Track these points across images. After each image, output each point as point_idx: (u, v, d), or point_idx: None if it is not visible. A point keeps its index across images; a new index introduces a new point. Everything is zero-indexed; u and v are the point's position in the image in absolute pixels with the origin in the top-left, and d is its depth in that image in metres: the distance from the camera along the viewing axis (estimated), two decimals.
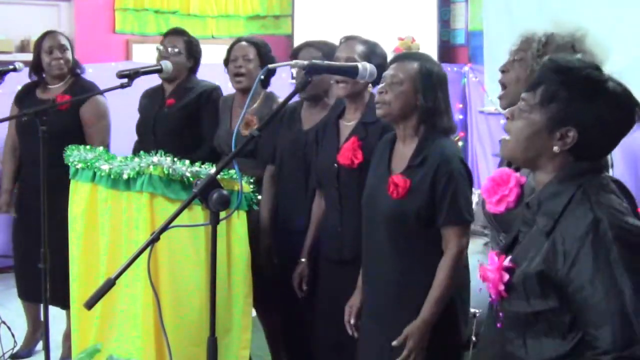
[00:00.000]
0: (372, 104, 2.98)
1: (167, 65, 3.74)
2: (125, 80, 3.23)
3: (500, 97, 2.42)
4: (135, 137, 4.02)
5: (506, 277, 1.82)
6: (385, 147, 2.80)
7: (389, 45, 6.48)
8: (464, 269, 2.71)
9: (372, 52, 3.06)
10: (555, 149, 1.78)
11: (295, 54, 3.42)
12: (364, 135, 2.99)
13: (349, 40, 3.10)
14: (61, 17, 6.65)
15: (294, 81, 3.50)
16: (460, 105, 7.06)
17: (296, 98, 3.39)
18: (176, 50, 3.91)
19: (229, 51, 3.72)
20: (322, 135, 3.19)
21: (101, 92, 3.77)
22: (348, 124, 3.09)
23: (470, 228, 2.69)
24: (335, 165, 3.02)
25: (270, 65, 3.15)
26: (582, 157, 1.80)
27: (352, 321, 2.86)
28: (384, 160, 2.77)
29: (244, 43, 3.69)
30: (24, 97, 4.12)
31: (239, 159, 3.56)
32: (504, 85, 2.43)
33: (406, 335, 2.60)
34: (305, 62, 2.37)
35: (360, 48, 3.05)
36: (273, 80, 3.69)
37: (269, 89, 3.71)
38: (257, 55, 3.65)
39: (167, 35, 4.03)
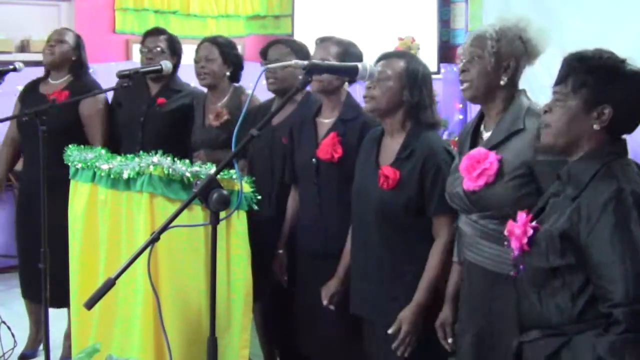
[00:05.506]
0: (350, 102, 3.11)
1: (167, 65, 3.73)
2: (125, 80, 3.23)
3: (463, 90, 2.52)
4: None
5: (530, 231, 2.02)
6: (372, 142, 2.88)
7: (389, 45, 6.47)
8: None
9: (346, 53, 3.08)
10: (595, 126, 1.98)
11: (264, 52, 3.48)
12: (343, 131, 3.04)
13: (323, 42, 3.14)
14: (61, 17, 6.63)
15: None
16: (460, 105, 7.03)
17: (270, 95, 3.48)
18: (159, 49, 3.96)
19: (196, 51, 3.80)
20: (298, 133, 3.23)
21: (103, 91, 3.77)
22: (325, 121, 3.14)
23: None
24: (314, 160, 3.07)
25: (269, 66, 3.16)
26: (617, 132, 2.01)
27: (324, 302, 2.97)
28: (372, 154, 2.84)
29: (206, 43, 3.80)
30: (28, 94, 4.12)
31: (216, 150, 3.59)
32: (466, 82, 2.50)
33: (400, 320, 2.68)
34: (306, 62, 2.37)
35: (334, 49, 3.09)
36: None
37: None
38: (220, 55, 3.74)
39: (147, 36, 4.06)
